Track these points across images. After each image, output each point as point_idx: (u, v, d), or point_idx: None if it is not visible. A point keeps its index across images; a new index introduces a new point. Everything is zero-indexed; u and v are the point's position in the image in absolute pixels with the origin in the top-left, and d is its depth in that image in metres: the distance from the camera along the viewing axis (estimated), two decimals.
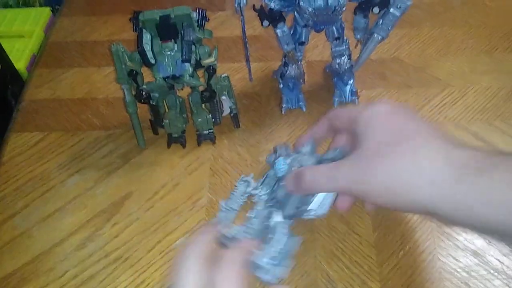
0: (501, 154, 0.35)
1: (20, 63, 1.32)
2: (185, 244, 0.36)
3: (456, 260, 0.48)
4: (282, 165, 0.47)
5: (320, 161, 0.46)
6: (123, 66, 0.51)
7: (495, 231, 0.36)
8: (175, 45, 0.50)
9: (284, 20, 0.53)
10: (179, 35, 0.50)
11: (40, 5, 1.58)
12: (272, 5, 0.52)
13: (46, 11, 1.51)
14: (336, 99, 0.62)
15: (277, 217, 0.46)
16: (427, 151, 0.37)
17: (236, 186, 0.53)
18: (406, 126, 0.39)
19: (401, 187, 0.37)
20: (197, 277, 0.34)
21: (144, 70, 0.53)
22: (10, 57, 1.25)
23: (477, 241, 0.49)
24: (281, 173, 0.47)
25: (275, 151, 0.51)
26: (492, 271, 0.47)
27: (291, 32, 0.56)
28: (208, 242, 0.37)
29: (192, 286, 0.33)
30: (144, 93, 0.52)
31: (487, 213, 0.34)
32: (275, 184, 0.49)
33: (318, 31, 0.56)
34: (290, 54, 0.56)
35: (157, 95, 0.54)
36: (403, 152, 0.37)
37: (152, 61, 0.50)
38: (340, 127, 0.46)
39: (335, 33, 0.56)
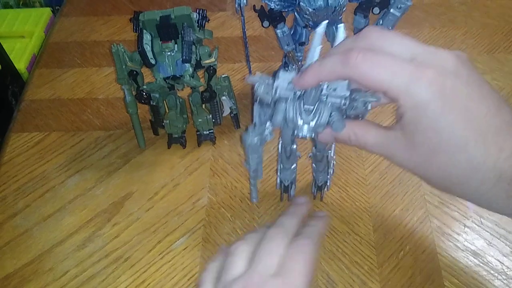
0: None
1: (20, 64, 1.32)
2: None
3: (456, 260, 0.48)
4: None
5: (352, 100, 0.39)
6: (124, 66, 0.51)
7: None
8: (176, 45, 0.50)
9: (284, 20, 0.53)
10: (180, 36, 0.50)
11: (41, 6, 1.58)
12: (272, 5, 0.52)
13: (47, 11, 1.51)
14: None
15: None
16: (482, 166, 0.33)
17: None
18: (461, 132, 0.33)
19: (465, 178, 0.34)
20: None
21: (145, 71, 0.53)
22: (11, 57, 1.25)
23: (477, 242, 0.49)
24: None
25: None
26: (492, 272, 0.47)
27: (291, 32, 0.56)
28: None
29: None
30: (144, 93, 0.52)
31: None
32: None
33: None
34: (290, 55, 0.57)
35: (157, 95, 0.54)
36: (460, 166, 0.34)
37: (153, 62, 0.50)
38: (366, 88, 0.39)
39: (336, 34, 0.56)
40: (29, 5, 1.59)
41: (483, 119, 0.33)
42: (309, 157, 0.48)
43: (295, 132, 0.40)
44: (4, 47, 1.21)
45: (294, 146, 0.46)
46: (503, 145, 0.33)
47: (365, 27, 0.55)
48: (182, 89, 0.54)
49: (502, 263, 0.48)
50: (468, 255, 0.49)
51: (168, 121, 0.57)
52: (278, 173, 0.49)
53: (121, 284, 0.48)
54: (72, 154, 0.59)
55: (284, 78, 0.39)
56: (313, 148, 0.47)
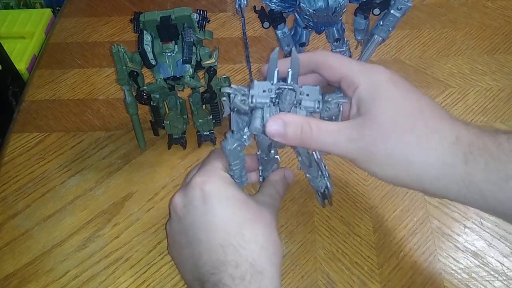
0: (504, 133, 0.36)
1: (21, 64, 1.33)
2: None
3: (457, 261, 0.48)
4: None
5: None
6: (124, 67, 0.51)
7: (503, 213, 0.36)
8: (176, 46, 0.50)
9: (284, 21, 0.53)
10: (180, 36, 0.50)
11: (41, 7, 1.59)
12: (273, 6, 0.52)
13: (47, 12, 1.51)
14: None
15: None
16: (440, 131, 0.37)
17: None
18: (417, 103, 0.38)
19: (410, 165, 0.37)
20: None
21: (145, 71, 0.53)
22: (11, 58, 1.26)
23: (478, 243, 0.49)
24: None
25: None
26: (492, 273, 0.47)
27: (292, 33, 0.56)
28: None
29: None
30: (144, 94, 0.52)
31: (495, 192, 0.35)
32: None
33: (318, 32, 0.56)
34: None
35: (157, 96, 0.54)
36: (418, 129, 0.37)
37: (153, 62, 0.50)
38: (327, 77, 0.43)
39: (336, 35, 0.56)
40: (29, 6, 1.59)
41: (431, 100, 0.39)
42: (299, 169, 0.49)
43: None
44: (4, 47, 1.21)
45: (273, 152, 0.47)
46: (454, 119, 0.38)
47: (365, 28, 0.55)
48: (183, 90, 0.54)
49: (502, 264, 0.48)
50: (468, 256, 0.49)
51: (168, 122, 0.57)
52: (260, 173, 0.51)
53: (121, 285, 0.48)
54: (73, 155, 0.60)
55: (259, 86, 0.42)
56: (298, 157, 0.47)
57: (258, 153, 0.48)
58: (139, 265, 0.50)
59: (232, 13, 0.77)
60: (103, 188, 0.56)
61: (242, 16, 0.53)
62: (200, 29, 0.51)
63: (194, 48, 0.50)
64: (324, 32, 0.56)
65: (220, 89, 0.55)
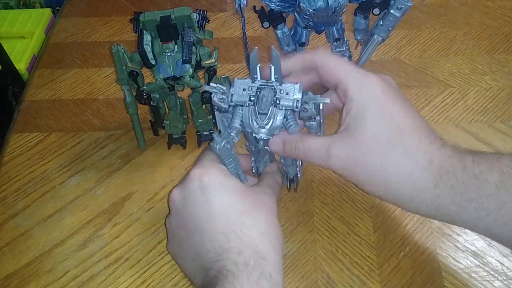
0: (474, 157, 0.39)
1: (20, 64, 1.32)
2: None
3: (456, 261, 0.48)
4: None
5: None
6: (124, 67, 0.51)
7: (470, 229, 0.40)
8: (176, 46, 0.50)
9: (284, 21, 0.53)
10: (180, 36, 0.50)
11: (41, 6, 1.59)
12: (273, 6, 0.52)
13: (47, 12, 1.51)
14: None
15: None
16: (416, 154, 0.39)
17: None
18: (400, 122, 0.40)
19: (388, 184, 0.40)
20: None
21: (145, 71, 0.53)
22: (11, 58, 1.25)
23: (477, 242, 0.49)
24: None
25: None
26: (492, 272, 0.47)
27: (292, 33, 0.56)
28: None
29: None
30: (144, 94, 0.52)
31: (460, 213, 0.38)
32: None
33: (318, 32, 0.56)
34: (290, 55, 0.57)
35: (157, 96, 0.54)
36: (396, 151, 0.40)
37: (153, 62, 0.50)
38: (324, 79, 0.44)
39: (336, 34, 0.56)
40: (29, 6, 1.59)
41: (417, 116, 0.41)
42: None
43: (254, 135, 0.43)
44: (4, 47, 1.21)
45: (261, 143, 0.48)
46: (433, 138, 0.40)
47: (365, 28, 0.55)
48: (182, 90, 0.54)
49: (502, 264, 0.48)
50: (468, 255, 0.49)
51: (168, 122, 0.57)
52: (252, 164, 0.51)
53: (121, 285, 0.48)
54: (73, 155, 0.60)
55: (240, 84, 0.43)
56: None
57: (247, 144, 0.49)
58: (139, 265, 0.50)
59: (232, 13, 0.77)
60: (103, 188, 0.56)
61: (242, 16, 0.53)
62: (200, 29, 0.51)
63: (194, 48, 0.50)
64: (324, 32, 0.56)
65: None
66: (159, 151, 0.59)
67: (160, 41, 0.50)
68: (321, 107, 0.42)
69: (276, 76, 0.43)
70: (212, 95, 0.43)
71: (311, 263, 0.49)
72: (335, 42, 0.57)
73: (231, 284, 0.37)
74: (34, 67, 0.72)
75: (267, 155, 0.51)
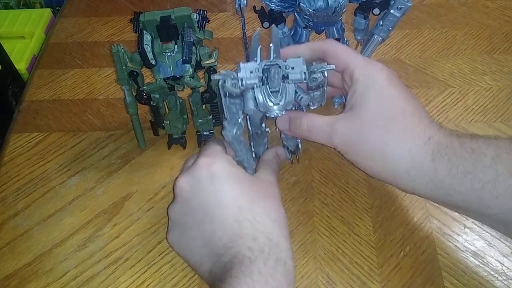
0: (472, 136, 0.41)
1: (20, 64, 1.33)
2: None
3: (456, 261, 0.48)
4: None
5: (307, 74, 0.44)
6: (124, 67, 0.51)
7: (462, 207, 0.41)
8: (176, 46, 0.50)
9: (284, 21, 0.53)
10: (180, 36, 0.50)
11: (41, 6, 1.59)
12: (273, 6, 0.52)
13: (47, 12, 1.51)
14: (337, 100, 0.62)
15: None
16: (416, 131, 0.41)
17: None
18: (402, 103, 0.43)
19: (387, 159, 0.42)
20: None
21: (145, 71, 0.53)
22: (11, 58, 1.26)
23: (477, 242, 0.49)
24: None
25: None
26: (492, 272, 0.47)
27: (292, 33, 0.56)
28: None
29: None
30: (144, 94, 0.52)
31: (455, 185, 0.39)
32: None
33: (318, 32, 0.56)
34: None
35: (157, 96, 0.54)
36: (397, 128, 0.42)
37: (153, 62, 0.50)
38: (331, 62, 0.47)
39: (336, 34, 0.56)
40: (29, 6, 1.59)
41: (417, 101, 0.44)
42: (277, 129, 0.52)
43: (267, 114, 0.45)
44: (4, 47, 1.21)
45: (263, 125, 0.50)
46: (432, 120, 0.42)
47: (365, 28, 0.55)
48: (182, 90, 0.54)
49: (502, 264, 0.48)
50: (468, 255, 0.49)
51: (168, 122, 0.57)
52: (252, 149, 0.53)
53: (121, 285, 0.48)
54: (73, 155, 0.60)
55: (246, 68, 0.44)
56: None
57: (249, 128, 0.51)
58: (139, 265, 0.50)
59: (232, 13, 0.77)
60: (103, 188, 0.56)
61: (242, 16, 0.53)
62: (200, 29, 0.51)
63: (194, 48, 0.50)
64: (324, 32, 0.56)
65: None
66: (159, 151, 0.59)
67: (160, 41, 0.50)
68: (326, 75, 0.45)
69: (275, 55, 0.45)
70: (221, 82, 0.44)
71: (311, 263, 0.49)
72: None
73: (247, 268, 0.37)
74: (34, 67, 0.72)
75: (266, 138, 0.53)
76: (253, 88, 0.44)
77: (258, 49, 0.44)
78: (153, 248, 0.51)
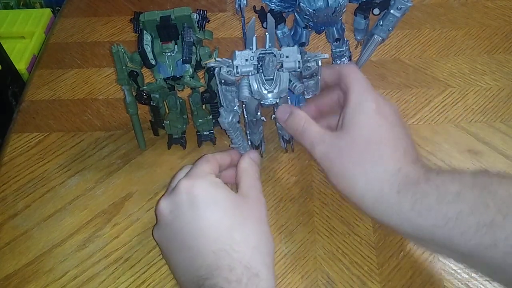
0: (439, 171, 0.41)
1: (20, 64, 1.32)
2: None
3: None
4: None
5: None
6: (124, 67, 0.51)
7: (431, 243, 0.40)
8: (176, 46, 0.50)
9: (284, 21, 0.53)
10: (180, 36, 0.50)
11: (41, 6, 1.58)
12: (273, 6, 0.52)
13: (47, 12, 1.51)
14: None
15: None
16: (388, 161, 0.41)
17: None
18: (383, 132, 0.43)
19: (357, 183, 0.42)
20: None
21: (145, 71, 0.53)
22: (11, 58, 1.25)
23: None
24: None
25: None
26: None
27: (292, 33, 0.56)
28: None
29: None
30: (144, 94, 0.52)
31: (420, 220, 0.39)
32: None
33: (318, 32, 0.56)
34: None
35: (157, 96, 0.54)
36: (372, 155, 0.42)
37: (153, 62, 0.50)
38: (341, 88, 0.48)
39: (336, 34, 0.56)
40: (29, 6, 1.59)
41: (402, 133, 0.44)
42: (273, 119, 0.52)
43: (262, 102, 0.46)
44: (4, 47, 1.21)
45: (259, 114, 0.51)
46: (410, 151, 0.42)
47: (365, 28, 0.55)
48: (182, 90, 0.54)
49: None
50: None
51: (168, 122, 0.57)
52: (248, 137, 0.54)
53: (121, 285, 0.48)
54: (72, 155, 0.60)
55: (241, 56, 0.45)
56: (275, 109, 0.51)
57: (245, 116, 0.51)
58: (139, 265, 0.50)
59: (232, 13, 0.77)
60: (103, 188, 0.56)
61: (242, 16, 0.53)
62: (200, 29, 0.51)
63: (194, 48, 0.50)
64: (324, 32, 0.56)
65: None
66: (159, 151, 0.59)
67: (160, 41, 0.50)
68: (319, 64, 0.46)
69: (270, 44, 0.46)
70: (217, 70, 0.45)
71: (311, 263, 0.49)
72: (335, 42, 0.57)
73: None
74: (34, 67, 0.72)
75: (261, 127, 0.54)
76: (248, 76, 0.45)
77: (254, 38, 0.45)
78: (153, 248, 0.51)
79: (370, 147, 0.42)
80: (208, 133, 0.58)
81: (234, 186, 0.49)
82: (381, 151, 0.42)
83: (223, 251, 0.39)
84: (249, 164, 0.50)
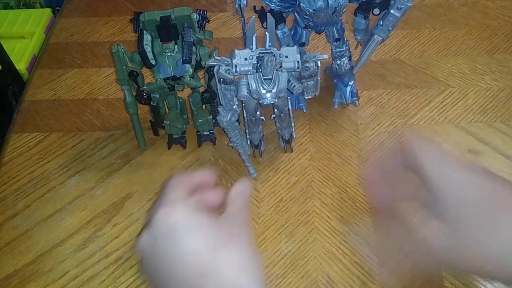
0: None
1: (20, 64, 1.32)
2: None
3: None
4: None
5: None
6: (124, 67, 0.51)
7: None
8: (176, 46, 0.50)
9: (284, 21, 0.53)
10: (180, 36, 0.50)
11: (41, 6, 1.58)
12: (273, 6, 0.52)
13: (47, 12, 1.51)
14: (337, 100, 0.62)
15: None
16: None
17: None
18: (488, 195, 0.39)
19: (494, 252, 0.38)
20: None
21: (145, 71, 0.53)
22: (11, 58, 1.25)
23: None
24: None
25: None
26: None
27: (292, 33, 0.56)
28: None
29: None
30: (144, 94, 0.52)
31: None
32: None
33: (318, 32, 0.56)
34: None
35: (157, 96, 0.54)
36: (493, 225, 0.38)
37: (153, 62, 0.50)
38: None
39: (336, 34, 0.56)
40: (29, 6, 1.58)
41: (501, 183, 0.39)
42: (272, 118, 0.53)
43: (260, 101, 0.46)
44: (4, 47, 1.21)
45: (258, 113, 0.52)
46: None
47: (365, 28, 0.55)
48: (182, 90, 0.54)
49: None
50: None
51: (168, 122, 0.57)
52: (248, 136, 0.54)
53: (121, 285, 0.48)
54: (73, 155, 0.60)
55: (240, 55, 0.46)
56: (275, 110, 0.53)
57: (245, 116, 0.52)
58: (139, 265, 0.50)
59: (232, 13, 0.77)
60: (103, 188, 0.56)
61: (242, 16, 0.53)
62: (200, 29, 0.51)
63: (194, 48, 0.50)
64: (324, 32, 0.56)
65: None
66: (159, 151, 0.59)
67: (160, 41, 0.50)
68: (319, 64, 0.46)
69: (270, 44, 0.46)
70: (216, 68, 0.46)
71: (311, 263, 0.49)
72: (335, 42, 0.57)
73: None
74: (34, 67, 0.72)
75: (261, 126, 0.54)
76: (247, 75, 0.45)
77: (254, 37, 0.45)
78: None
79: (490, 216, 0.38)
80: (208, 133, 0.58)
81: (217, 209, 0.46)
82: (500, 215, 0.38)
83: (207, 276, 0.38)
84: (240, 191, 0.46)
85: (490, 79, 0.65)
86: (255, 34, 0.45)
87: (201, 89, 0.55)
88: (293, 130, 0.55)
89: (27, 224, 0.53)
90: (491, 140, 0.58)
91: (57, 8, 1.53)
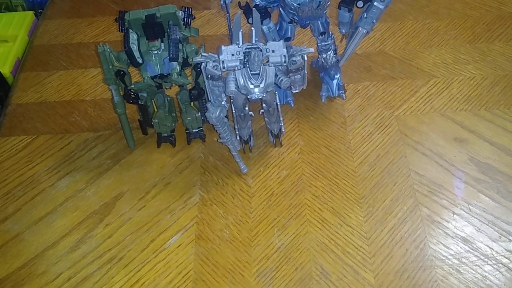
0: None
1: (4, 68, 1.30)
2: None
3: (447, 247, 0.49)
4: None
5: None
6: (110, 66, 0.51)
7: None
8: (162, 44, 0.50)
9: (269, 16, 0.54)
10: (166, 34, 0.50)
11: (23, 9, 1.57)
12: (258, 1, 0.53)
13: (30, 15, 1.48)
14: (324, 94, 0.62)
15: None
16: None
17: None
18: None
19: None
20: None
21: (132, 70, 0.53)
22: None
23: (467, 229, 0.50)
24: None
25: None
26: (482, 257, 0.48)
27: (277, 28, 0.56)
28: None
29: None
30: (132, 93, 0.52)
31: None
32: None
33: (303, 26, 0.56)
34: None
35: (145, 94, 0.54)
36: None
37: (140, 61, 0.49)
38: None
39: (321, 28, 0.56)
40: (11, 9, 1.57)
41: None
42: (261, 113, 0.54)
43: (248, 96, 0.47)
44: None
45: (246, 109, 0.52)
46: None
47: (349, 21, 0.55)
48: (170, 88, 0.54)
49: (492, 249, 0.49)
50: (458, 241, 0.49)
51: (157, 120, 0.57)
52: (237, 132, 0.54)
53: (115, 284, 0.48)
54: (61, 157, 0.59)
55: (227, 51, 0.46)
56: (263, 105, 0.53)
57: (233, 111, 0.52)
58: (132, 264, 0.50)
59: (216, 10, 0.77)
60: (93, 188, 0.56)
61: (227, 13, 0.53)
62: (185, 27, 0.51)
63: (180, 45, 0.50)
64: (309, 26, 0.57)
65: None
66: (149, 150, 0.59)
67: (146, 40, 0.50)
68: (305, 58, 0.47)
69: (256, 39, 0.47)
70: (204, 65, 0.46)
71: (305, 255, 0.49)
72: (320, 36, 0.57)
73: None
74: (18, 70, 0.72)
75: (250, 122, 0.54)
76: (234, 71, 0.46)
77: (240, 32, 0.45)
78: (147, 247, 0.51)
79: None
80: (197, 130, 0.58)
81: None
82: None
83: None
84: None
85: (473, 68, 0.66)
86: (241, 30, 0.46)
87: (189, 87, 0.55)
88: (282, 124, 0.55)
89: (18, 228, 0.53)
90: (476, 128, 0.59)
91: (39, 11, 1.51)
